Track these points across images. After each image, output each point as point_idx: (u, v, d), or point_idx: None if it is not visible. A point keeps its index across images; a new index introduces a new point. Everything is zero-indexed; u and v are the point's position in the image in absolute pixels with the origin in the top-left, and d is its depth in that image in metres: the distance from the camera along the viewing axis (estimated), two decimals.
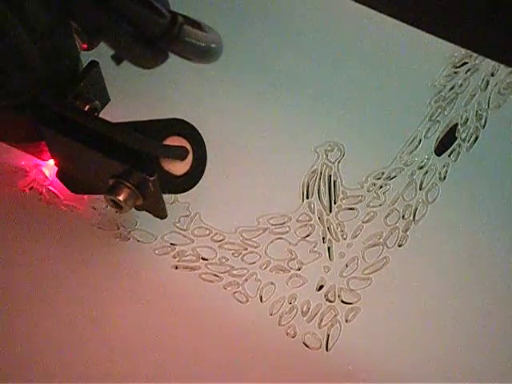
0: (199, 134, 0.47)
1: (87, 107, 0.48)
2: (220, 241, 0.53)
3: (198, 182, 0.48)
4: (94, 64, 0.48)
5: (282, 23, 0.61)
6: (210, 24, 0.45)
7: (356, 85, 0.59)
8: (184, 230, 0.53)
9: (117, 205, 0.47)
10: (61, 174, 0.51)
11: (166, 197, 0.54)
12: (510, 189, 0.54)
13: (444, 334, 0.50)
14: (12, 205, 0.54)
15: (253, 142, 0.56)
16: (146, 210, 0.49)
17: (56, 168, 0.51)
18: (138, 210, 0.50)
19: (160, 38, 0.42)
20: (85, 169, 0.49)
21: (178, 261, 0.52)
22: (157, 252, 0.53)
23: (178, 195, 0.54)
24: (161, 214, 0.49)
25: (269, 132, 0.57)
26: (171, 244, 0.53)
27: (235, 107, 0.58)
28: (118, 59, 0.43)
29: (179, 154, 0.47)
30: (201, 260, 0.52)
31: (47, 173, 0.55)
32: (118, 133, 0.46)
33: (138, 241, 0.53)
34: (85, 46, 0.47)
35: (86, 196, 0.54)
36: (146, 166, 0.46)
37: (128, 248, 0.53)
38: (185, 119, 0.47)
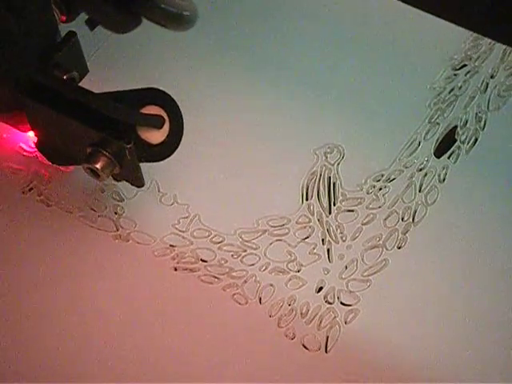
0: (176, 103, 0.48)
1: (65, 77, 0.49)
2: (219, 242, 0.53)
3: (174, 151, 0.49)
4: (71, 34, 0.49)
5: (281, 25, 0.61)
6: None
7: (355, 87, 0.59)
8: (183, 232, 0.53)
9: (94, 173, 0.48)
10: (41, 145, 0.52)
11: (165, 198, 0.54)
12: (510, 191, 0.54)
13: (443, 336, 0.50)
14: (11, 206, 0.54)
15: (252, 143, 0.56)
16: (124, 179, 0.50)
17: (36, 138, 0.52)
18: (116, 180, 0.51)
19: (132, 2, 0.42)
20: (64, 139, 0.50)
21: (178, 262, 0.52)
22: (156, 253, 0.53)
23: (178, 198, 0.54)
24: (137, 182, 0.50)
25: (268, 134, 0.57)
26: (170, 245, 0.53)
27: (234, 109, 0.58)
28: (91, 24, 0.44)
29: (155, 122, 0.48)
30: (200, 262, 0.52)
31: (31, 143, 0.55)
32: (96, 101, 0.47)
33: (138, 242, 0.53)
34: (63, 18, 0.48)
35: (85, 197, 0.54)
36: (122, 134, 0.47)
37: (127, 249, 0.53)
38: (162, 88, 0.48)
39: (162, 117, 0.48)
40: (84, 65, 0.50)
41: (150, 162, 0.49)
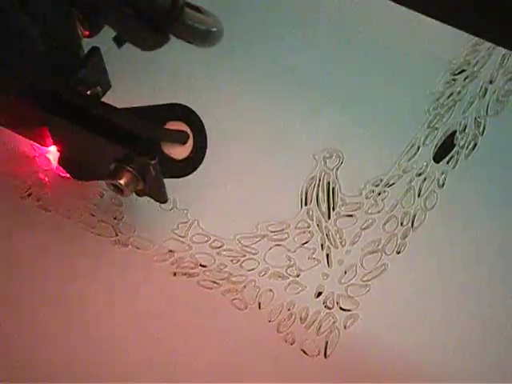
0: (200, 118, 0.48)
1: (89, 92, 0.48)
2: (218, 247, 0.53)
3: (198, 166, 0.49)
4: (95, 50, 0.49)
5: (282, 28, 0.61)
6: None
7: (354, 93, 0.59)
8: (182, 237, 0.53)
9: (118, 189, 0.48)
10: (63, 161, 0.52)
11: (164, 204, 0.54)
12: (509, 196, 0.54)
13: (443, 340, 0.50)
14: (10, 211, 0.54)
15: (251, 148, 0.56)
16: (147, 195, 0.50)
17: (58, 154, 0.52)
18: (139, 195, 0.50)
19: (161, 20, 0.42)
20: (87, 154, 0.49)
21: (177, 267, 0.52)
22: (155, 259, 0.53)
23: (178, 202, 0.54)
24: (161, 198, 0.50)
25: (267, 138, 0.57)
26: (170, 251, 0.53)
27: (232, 115, 0.58)
28: (119, 41, 0.44)
29: (179, 138, 0.48)
30: (199, 267, 0.52)
31: (52, 159, 0.55)
32: (120, 117, 0.47)
33: (137, 247, 0.53)
34: (87, 33, 0.48)
35: (84, 203, 0.54)
36: (146, 150, 0.46)
37: (127, 254, 0.53)
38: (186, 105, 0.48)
39: (186, 132, 0.48)
40: (107, 80, 0.50)
41: (174, 177, 0.49)
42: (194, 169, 0.49)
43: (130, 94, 0.56)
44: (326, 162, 0.56)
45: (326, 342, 0.50)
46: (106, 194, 0.55)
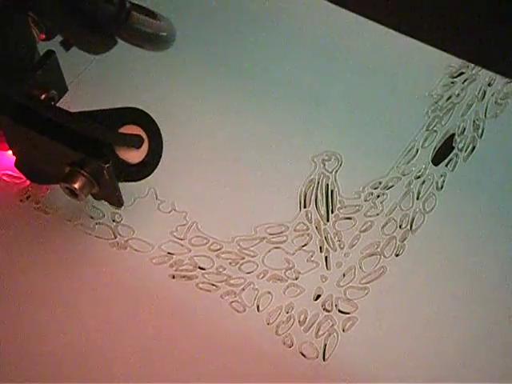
0: (155, 123, 0.48)
1: (43, 96, 0.48)
2: (217, 250, 0.53)
3: (153, 170, 0.49)
4: (50, 53, 0.48)
5: (279, 33, 0.62)
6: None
7: (353, 95, 0.59)
8: (181, 240, 0.53)
9: (73, 193, 0.48)
10: (19, 164, 0.52)
11: (163, 206, 0.54)
12: (507, 198, 0.54)
13: (442, 343, 0.50)
14: (8, 214, 0.54)
15: (250, 151, 0.56)
16: (103, 199, 0.50)
17: (14, 157, 0.52)
18: (96, 199, 0.51)
19: (107, 24, 0.42)
20: (42, 157, 0.49)
21: (176, 270, 0.52)
22: (154, 261, 0.53)
23: (176, 205, 0.54)
24: (116, 202, 0.50)
25: (266, 141, 0.57)
26: (168, 253, 0.53)
27: (231, 118, 0.58)
28: (66, 45, 0.44)
29: (134, 142, 0.48)
30: (198, 269, 0.52)
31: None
32: (73, 120, 0.47)
33: (136, 250, 0.53)
34: (43, 36, 0.48)
35: (83, 205, 0.54)
36: (101, 154, 0.47)
37: (125, 257, 0.53)
38: (141, 108, 0.48)
39: (141, 136, 0.48)
40: (63, 84, 0.50)
41: (128, 181, 0.49)
42: (149, 173, 0.49)
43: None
44: (324, 165, 0.56)
45: (325, 345, 0.50)
46: None
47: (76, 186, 0.48)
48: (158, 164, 0.49)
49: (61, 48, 0.46)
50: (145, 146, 0.48)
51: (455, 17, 0.42)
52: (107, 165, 0.46)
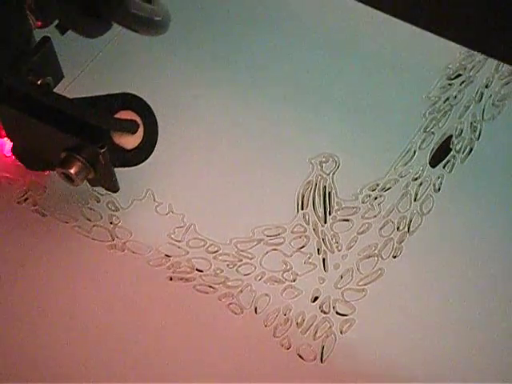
0: (150, 108, 0.48)
1: (39, 82, 0.49)
2: (215, 252, 0.53)
3: (148, 156, 0.49)
4: (46, 39, 0.49)
5: (278, 33, 0.62)
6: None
7: (351, 97, 0.59)
8: (179, 241, 0.53)
9: (69, 178, 0.48)
10: (15, 150, 0.52)
11: (161, 208, 0.54)
12: (505, 200, 0.54)
13: (439, 345, 0.50)
14: (6, 216, 0.54)
15: (247, 152, 0.57)
16: (99, 185, 0.50)
17: (10, 143, 0.52)
18: (92, 185, 0.51)
19: (102, 7, 0.42)
20: (38, 143, 0.50)
21: (173, 272, 0.52)
22: (151, 263, 0.53)
23: (173, 207, 0.54)
24: (112, 187, 0.50)
25: (264, 143, 0.57)
26: (166, 255, 0.53)
27: (229, 119, 0.58)
28: (61, 28, 0.44)
29: (129, 127, 0.48)
30: (195, 271, 0.52)
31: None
32: (69, 106, 0.47)
33: (133, 252, 0.53)
34: (39, 23, 0.48)
35: (80, 207, 0.54)
36: (96, 139, 0.47)
37: (123, 259, 0.53)
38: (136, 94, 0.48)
39: (136, 122, 0.48)
40: (59, 70, 0.50)
41: (124, 167, 0.49)
42: (145, 158, 0.49)
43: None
44: (322, 167, 0.56)
45: (323, 347, 0.50)
46: (102, 199, 0.55)
47: (72, 171, 0.48)
48: (153, 150, 0.49)
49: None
50: (140, 132, 0.48)
51: (455, 2, 0.42)
52: (103, 150, 0.47)
